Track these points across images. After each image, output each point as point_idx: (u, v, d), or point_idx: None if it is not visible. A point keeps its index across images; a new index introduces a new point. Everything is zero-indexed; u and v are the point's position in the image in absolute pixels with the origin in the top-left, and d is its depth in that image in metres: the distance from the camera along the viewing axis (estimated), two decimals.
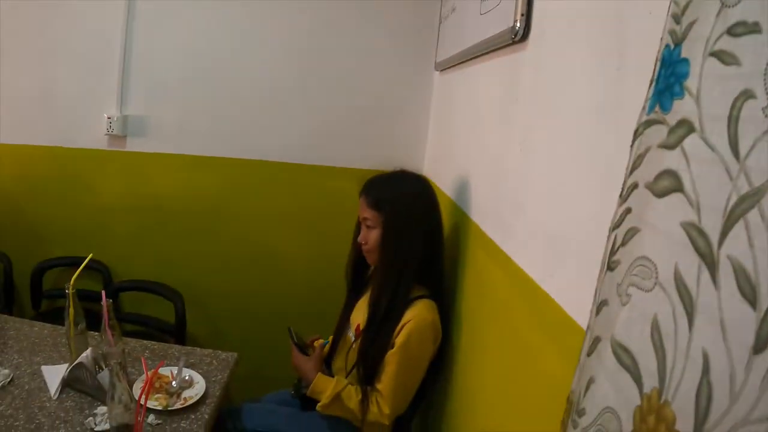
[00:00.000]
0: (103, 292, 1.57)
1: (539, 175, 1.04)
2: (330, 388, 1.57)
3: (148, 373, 1.44)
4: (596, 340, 0.53)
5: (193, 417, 1.44)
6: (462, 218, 1.62)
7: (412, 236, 1.54)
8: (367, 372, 1.56)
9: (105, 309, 1.53)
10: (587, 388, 0.54)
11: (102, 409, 1.43)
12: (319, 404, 1.57)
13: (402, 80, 2.45)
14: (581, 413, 0.55)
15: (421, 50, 2.40)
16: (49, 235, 2.76)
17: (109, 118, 2.55)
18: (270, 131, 2.55)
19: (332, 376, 1.69)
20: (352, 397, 1.56)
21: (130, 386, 1.37)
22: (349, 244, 2.34)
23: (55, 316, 2.02)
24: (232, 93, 2.54)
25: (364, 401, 1.54)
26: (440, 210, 1.61)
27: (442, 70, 2.25)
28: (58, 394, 1.51)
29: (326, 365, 1.80)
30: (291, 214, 2.60)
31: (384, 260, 1.58)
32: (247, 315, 2.68)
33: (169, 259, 2.68)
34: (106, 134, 2.59)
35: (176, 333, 2.30)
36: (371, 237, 1.59)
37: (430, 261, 1.58)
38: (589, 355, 0.55)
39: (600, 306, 0.54)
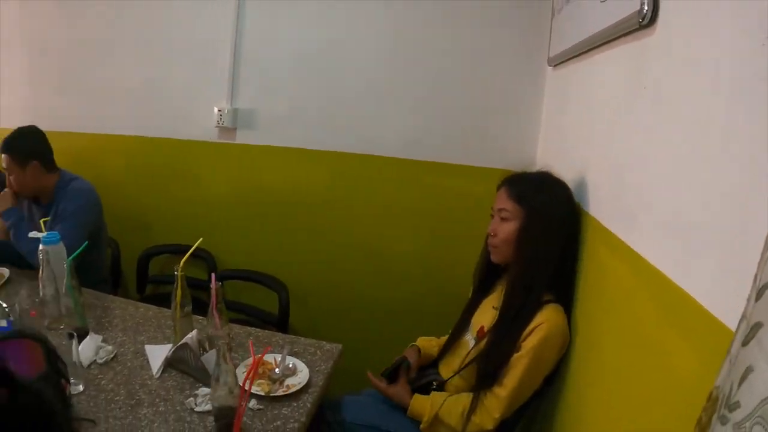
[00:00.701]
0: (213, 275, 1.58)
1: (670, 164, 0.97)
2: (427, 410, 1.58)
3: (255, 356, 1.41)
4: (756, 327, 0.49)
5: (294, 405, 1.42)
6: (581, 214, 1.54)
7: (553, 240, 1.50)
8: (488, 374, 1.52)
9: (214, 292, 1.55)
10: (743, 379, 0.50)
11: (203, 391, 1.43)
12: (421, 426, 1.58)
13: (513, 75, 2.34)
14: (733, 407, 0.51)
15: (532, 45, 2.28)
16: (156, 223, 2.86)
17: (219, 110, 2.63)
18: (378, 126, 2.51)
19: (437, 375, 1.71)
20: (452, 413, 1.55)
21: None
22: (461, 242, 2.30)
23: (159, 301, 2.06)
24: (341, 87, 2.52)
25: (468, 412, 1.52)
26: (580, 218, 1.55)
27: (555, 65, 2.18)
28: (160, 373, 1.52)
29: (433, 365, 1.81)
30: (399, 210, 2.54)
31: (520, 260, 1.54)
32: (350, 310, 2.66)
33: (274, 250, 2.69)
34: (217, 126, 2.66)
35: (278, 323, 2.31)
36: (503, 229, 1.56)
37: (563, 266, 1.53)
38: (745, 344, 0.51)
39: (762, 290, 0.50)
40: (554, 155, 2.05)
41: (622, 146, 1.26)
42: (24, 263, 2.16)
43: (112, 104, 2.93)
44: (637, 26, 1.13)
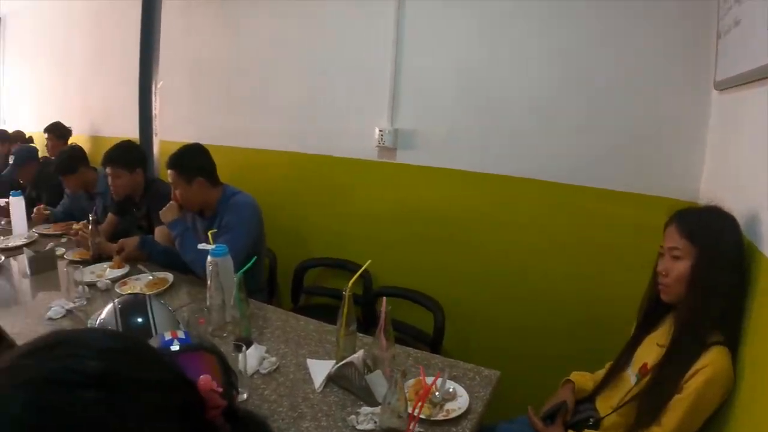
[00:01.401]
0: (384, 300, 1.59)
1: None
2: None
3: (426, 384, 1.41)
4: None
5: (454, 430, 1.39)
6: (751, 251, 1.42)
7: (725, 278, 1.42)
8: (648, 413, 1.45)
9: (383, 314, 1.56)
10: None
11: (366, 410, 1.41)
12: None
13: (675, 99, 2.15)
14: None
15: (695, 68, 2.08)
16: (312, 237, 2.94)
17: (380, 131, 2.66)
18: (538, 149, 2.42)
19: (594, 412, 1.67)
20: None
21: None
22: (620, 270, 2.16)
23: (312, 311, 2.10)
24: (500, 110, 2.46)
25: None
26: (751, 254, 1.43)
27: (722, 90, 1.93)
28: (322, 387, 1.54)
29: (588, 400, 1.74)
30: (557, 236, 2.42)
31: (691, 299, 1.46)
32: (503, 333, 2.56)
33: (428, 269, 2.67)
34: (377, 146, 2.70)
35: (432, 343, 2.27)
36: (675, 268, 1.49)
37: (732, 305, 1.42)
38: None
39: None
40: (722, 185, 1.87)
41: None
42: (186, 269, 2.31)
43: (273, 120, 3.09)
44: None
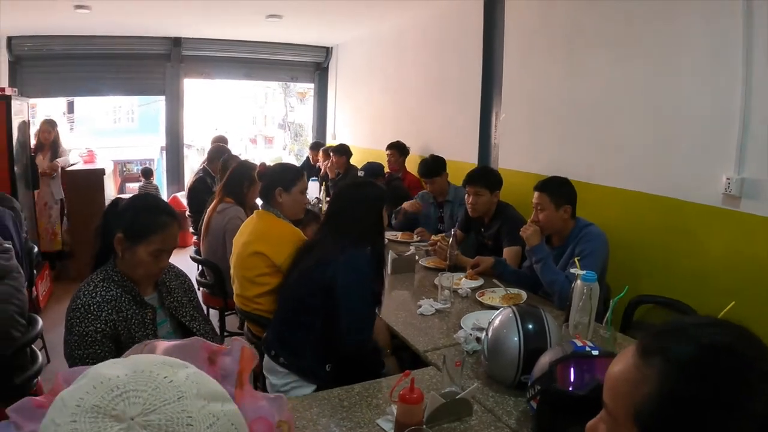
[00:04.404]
0: None
1: None
2: None
3: None
4: None
5: None
6: None
7: None
8: None
9: None
10: None
11: None
12: None
13: None
14: None
15: None
16: (645, 274, 3.01)
17: (728, 179, 2.64)
18: None
19: None
20: None
21: None
22: None
23: None
24: None
25: None
26: None
27: None
28: None
29: None
30: None
31: None
32: None
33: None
34: (723, 193, 2.67)
35: None
36: None
37: None
38: None
39: None
40: None
41: None
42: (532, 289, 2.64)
43: (614, 159, 3.24)
44: None
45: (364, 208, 2.19)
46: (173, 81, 7.44)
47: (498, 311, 1.94)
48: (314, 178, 5.84)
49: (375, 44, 6.51)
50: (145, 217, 1.72)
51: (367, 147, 6.06)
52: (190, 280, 2.08)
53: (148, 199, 1.88)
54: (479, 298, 2.57)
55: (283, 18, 5.66)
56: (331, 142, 7.04)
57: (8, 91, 4.93)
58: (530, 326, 1.82)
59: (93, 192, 5.40)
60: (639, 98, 3.11)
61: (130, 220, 1.71)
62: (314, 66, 8.15)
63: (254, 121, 23.08)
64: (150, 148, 18.03)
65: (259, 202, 3.03)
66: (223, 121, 16.02)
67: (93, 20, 5.57)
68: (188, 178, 6.74)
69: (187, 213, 5.12)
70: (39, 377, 2.38)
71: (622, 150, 3.20)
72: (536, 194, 2.67)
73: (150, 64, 7.35)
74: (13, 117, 4.83)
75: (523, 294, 2.61)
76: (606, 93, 3.30)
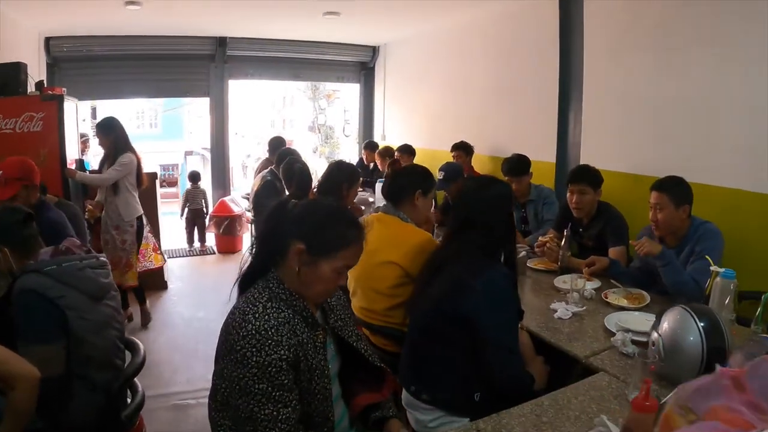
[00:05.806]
0: None
1: None
2: None
3: None
4: None
5: None
6: None
7: None
8: None
9: None
10: None
11: None
12: None
13: None
14: None
15: None
16: (746, 271, 2.98)
17: None
18: None
19: None
20: None
21: None
22: None
23: None
24: None
25: None
26: None
27: None
28: None
29: None
30: None
31: None
32: None
33: None
34: None
35: None
36: None
37: None
38: None
39: None
40: None
41: None
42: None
43: (711, 157, 3.19)
44: None
45: (495, 212, 2.01)
46: (217, 82, 7.35)
47: (666, 312, 1.92)
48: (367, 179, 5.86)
49: (429, 43, 6.48)
50: (335, 229, 1.52)
51: (421, 147, 6.04)
52: (345, 295, 1.91)
53: (333, 207, 1.61)
54: (606, 299, 2.55)
55: (340, 15, 5.56)
56: (380, 142, 7.03)
57: (57, 91, 4.39)
58: (706, 324, 1.82)
59: (148, 198, 4.99)
60: (737, 96, 3.08)
61: (313, 230, 1.50)
62: (360, 66, 8.11)
63: (272, 125, 23.11)
64: (174, 154, 18.02)
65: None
66: (240, 125, 16.00)
67: (139, 19, 5.48)
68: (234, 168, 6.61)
69: (251, 217, 5.11)
70: (141, 412, 2.17)
71: (720, 148, 3.16)
72: (655, 194, 2.63)
73: (194, 65, 7.25)
74: (66, 119, 4.23)
75: (645, 294, 2.57)
76: (701, 91, 3.25)
